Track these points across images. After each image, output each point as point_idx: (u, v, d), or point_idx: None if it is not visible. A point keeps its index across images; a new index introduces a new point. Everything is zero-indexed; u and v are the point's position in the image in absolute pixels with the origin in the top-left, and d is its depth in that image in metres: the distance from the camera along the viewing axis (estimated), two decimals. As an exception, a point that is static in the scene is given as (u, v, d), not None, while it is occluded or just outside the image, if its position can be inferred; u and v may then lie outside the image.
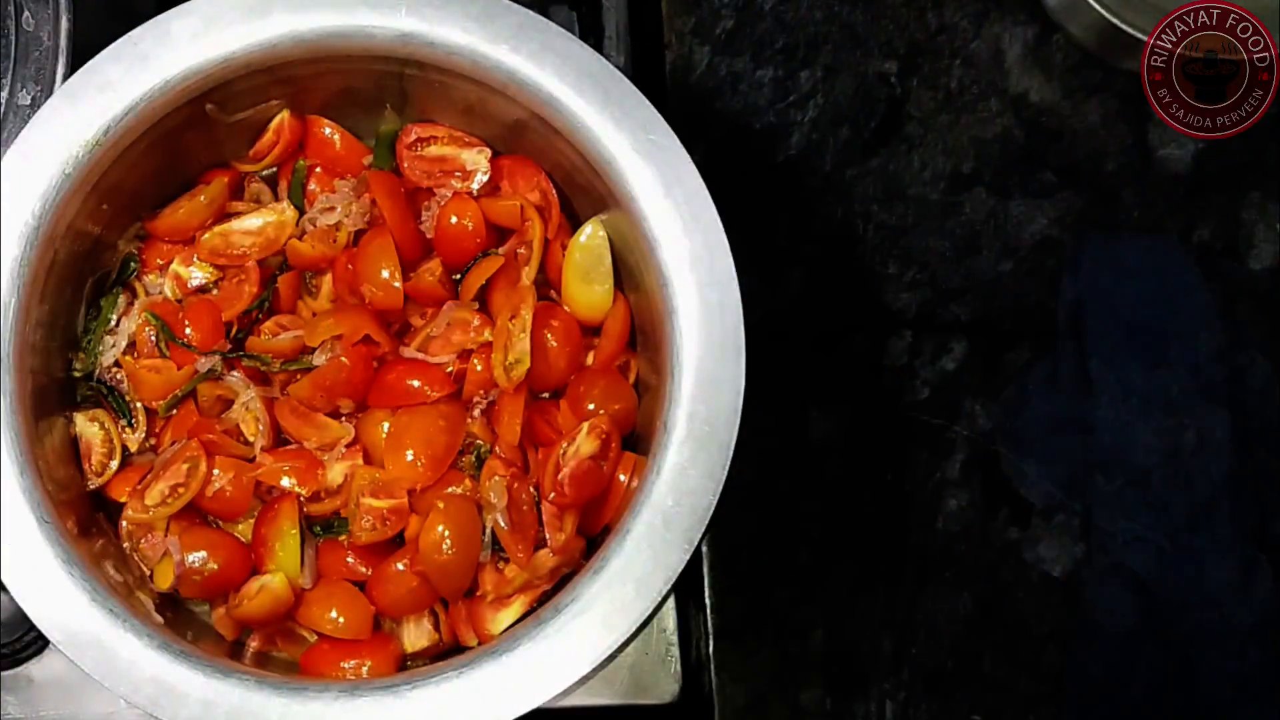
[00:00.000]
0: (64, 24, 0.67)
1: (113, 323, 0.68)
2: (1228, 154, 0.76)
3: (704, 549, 0.70)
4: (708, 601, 0.70)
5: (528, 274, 0.67)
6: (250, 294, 0.68)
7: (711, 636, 0.69)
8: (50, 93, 0.65)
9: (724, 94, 0.77)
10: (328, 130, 0.70)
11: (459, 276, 0.69)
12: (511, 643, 0.58)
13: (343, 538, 0.66)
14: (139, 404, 0.68)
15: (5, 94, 0.66)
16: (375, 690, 0.57)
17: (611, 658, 0.58)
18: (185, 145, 0.67)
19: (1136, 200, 0.77)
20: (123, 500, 0.66)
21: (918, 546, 0.73)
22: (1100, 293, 0.74)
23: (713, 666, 0.69)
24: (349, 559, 0.66)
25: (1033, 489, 0.74)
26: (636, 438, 0.67)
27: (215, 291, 0.69)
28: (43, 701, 0.68)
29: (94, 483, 0.66)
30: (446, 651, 0.66)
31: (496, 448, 0.66)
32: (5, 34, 0.66)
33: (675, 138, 0.61)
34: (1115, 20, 0.71)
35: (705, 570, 0.70)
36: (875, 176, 0.77)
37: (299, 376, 0.66)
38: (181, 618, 0.66)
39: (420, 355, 0.67)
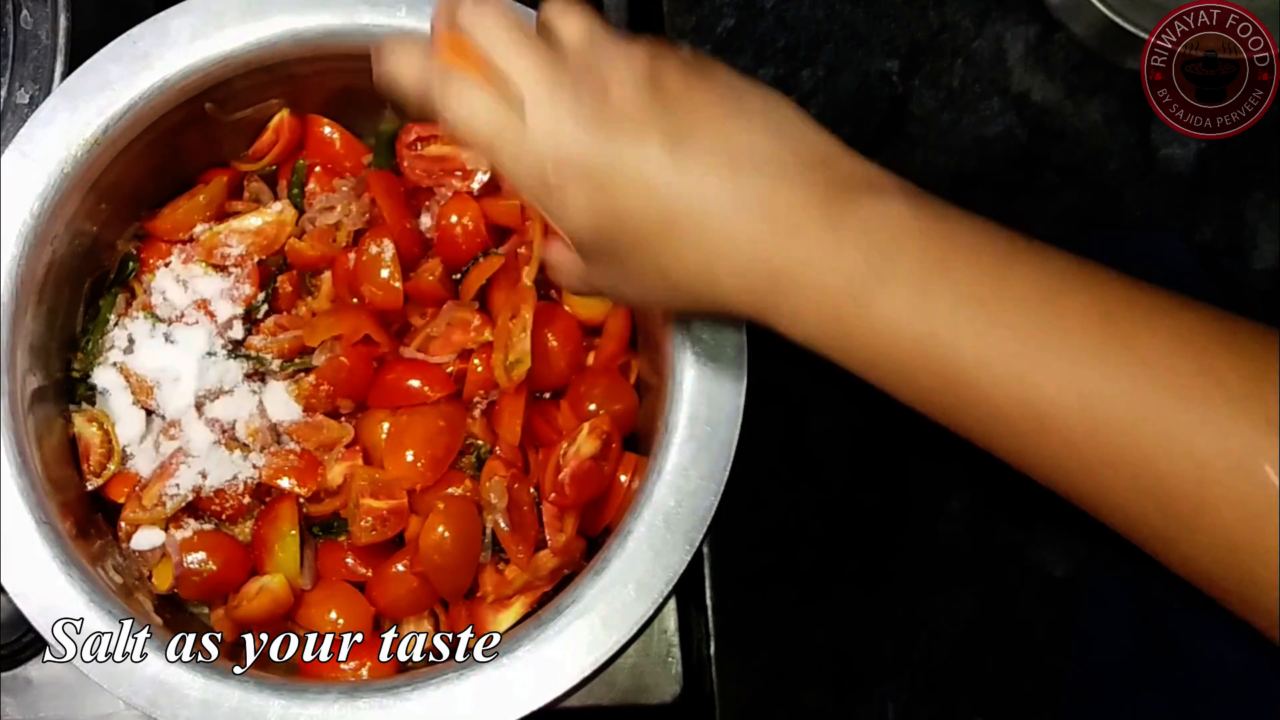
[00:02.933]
0: (62, 22, 0.67)
1: (111, 323, 0.68)
2: (1231, 154, 0.76)
3: (705, 550, 0.69)
4: (709, 602, 0.69)
5: (528, 274, 0.67)
6: (250, 294, 0.68)
7: (713, 637, 0.69)
8: (48, 91, 0.65)
9: (725, 93, 0.77)
10: (327, 130, 0.70)
11: (459, 276, 0.69)
12: (512, 644, 0.58)
13: (342, 538, 0.66)
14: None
15: (4, 93, 0.66)
16: (375, 692, 0.57)
17: (612, 659, 0.57)
18: (184, 144, 0.67)
19: (1139, 200, 0.76)
20: (121, 501, 0.65)
21: (919, 547, 0.73)
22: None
23: (714, 667, 0.69)
24: (349, 560, 0.66)
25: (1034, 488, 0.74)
26: (637, 438, 0.67)
27: (215, 291, 0.69)
28: (42, 703, 0.68)
29: (93, 483, 0.66)
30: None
31: (496, 448, 0.66)
32: (4, 32, 0.66)
33: (676, 137, 0.60)
34: (1117, 19, 0.71)
35: (706, 571, 0.69)
36: (877, 176, 0.77)
37: (299, 376, 0.66)
38: (181, 618, 0.65)
39: (420, 355, 0.67)
